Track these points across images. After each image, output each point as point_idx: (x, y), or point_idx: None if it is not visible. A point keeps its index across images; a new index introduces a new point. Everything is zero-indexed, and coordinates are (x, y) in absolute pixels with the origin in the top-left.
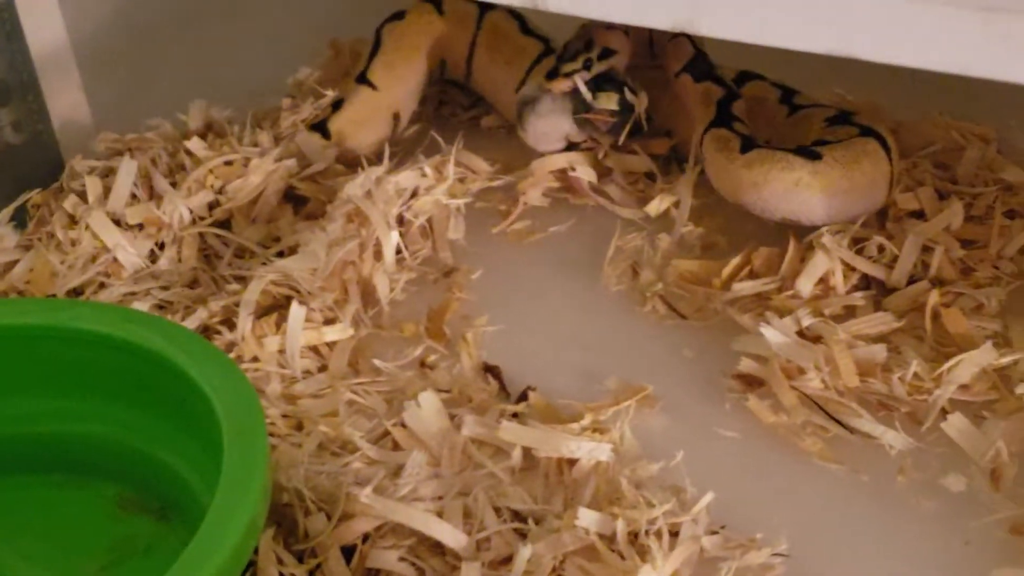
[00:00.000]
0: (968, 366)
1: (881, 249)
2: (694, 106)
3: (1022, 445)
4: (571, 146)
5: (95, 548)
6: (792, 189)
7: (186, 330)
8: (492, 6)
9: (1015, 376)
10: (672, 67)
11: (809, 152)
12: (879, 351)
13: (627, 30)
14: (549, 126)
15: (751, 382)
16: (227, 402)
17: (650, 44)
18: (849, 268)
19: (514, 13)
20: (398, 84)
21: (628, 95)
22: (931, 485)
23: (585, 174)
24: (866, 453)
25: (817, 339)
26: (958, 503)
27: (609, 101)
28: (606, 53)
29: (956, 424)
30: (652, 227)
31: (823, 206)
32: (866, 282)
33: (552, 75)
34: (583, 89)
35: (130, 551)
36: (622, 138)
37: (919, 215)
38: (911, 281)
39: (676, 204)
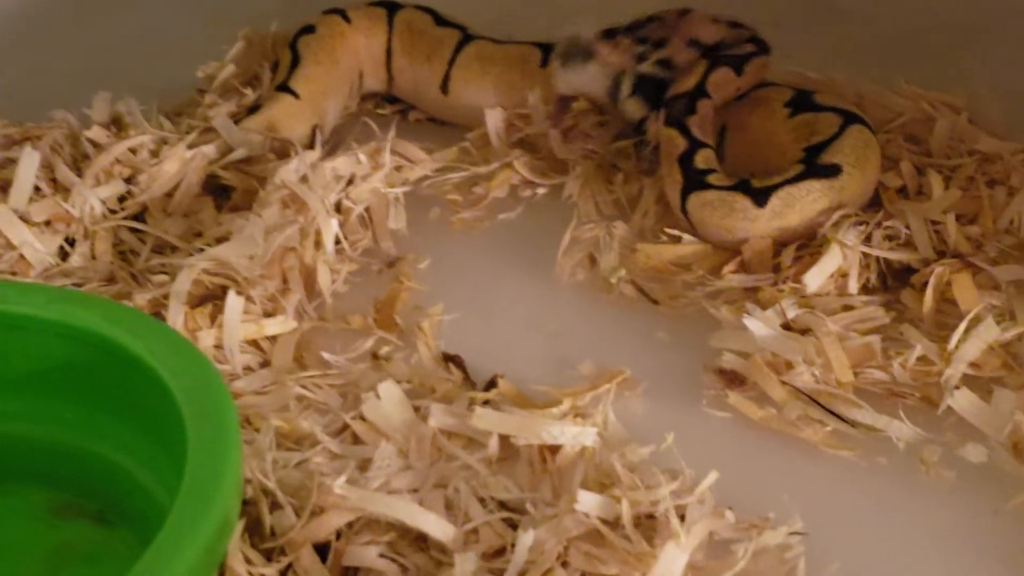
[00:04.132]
0: (976, 342)
1: (889, 236)
2: (662, 153)
3: None
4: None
5: (29, 559)
6: (824, 213)
7: (132, 310)
8: (399, 6)
9: (1022, 351)
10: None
11: (827, 170)
12: (875, 341)
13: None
14: (581, 84)
15: (732, 379)
16: (186, 385)
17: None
18: (864, 266)
19: (424, 8)
20: (321, 97)
21: (651, 121)
22: (949, 457)
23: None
24: (875, 443)
25: (805, 331)
26: (980, 474)
27: (635, 110)
28: (666, 64)
29: (964, 399)
30: (606, 218)
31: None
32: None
33: (611, 34)
34: (625, 87)
35: (69, 560)
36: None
37: (902, 192)
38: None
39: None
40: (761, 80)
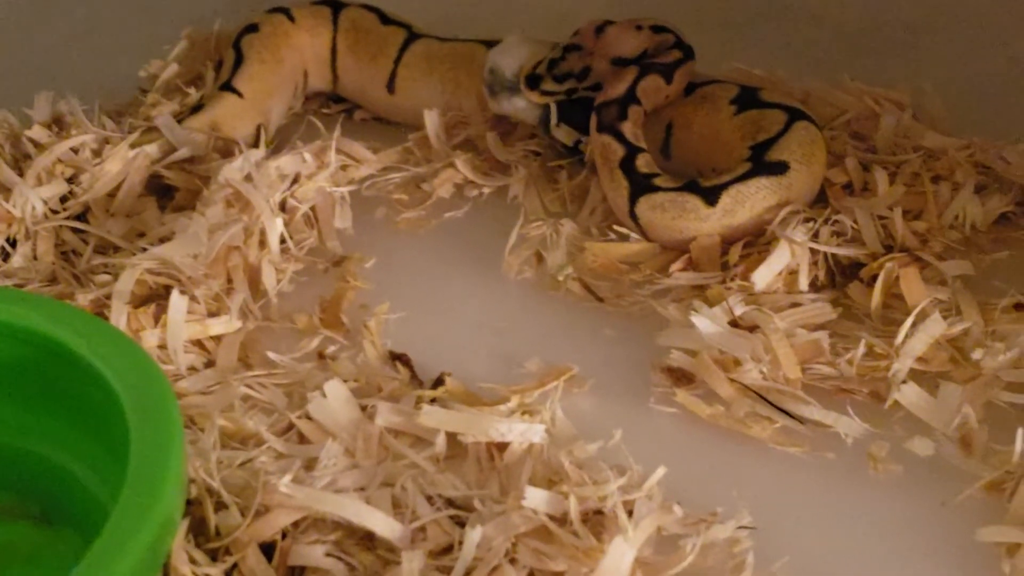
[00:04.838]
0: (923, 337)
1: (837, 233)
2: (597, 159)
3: (984, 411)
4: None
5: None
6: (772, 210)
7: (74, 309)
8: (344, 5)
9: (967, 345)
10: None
11: (774, 167)
12: (822, 337)
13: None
14: (513, 112)
15: (680, 377)
16: (129, 384)
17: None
18: (812, 263)
19: (369, 7)
20: (265, 97)
21: (586, 143)
22: (897, 451)
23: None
24: (824, 438)
25: (753, 329)
26: (928, 467)
27: (567, 137)
28: (596, 87)
29: (911, 394)
30: (552, 215)
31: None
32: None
33: (533, 83)
34: (552, 117)
35: (11, 561)
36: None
37: (848, 188)
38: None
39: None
40: (686, 84)
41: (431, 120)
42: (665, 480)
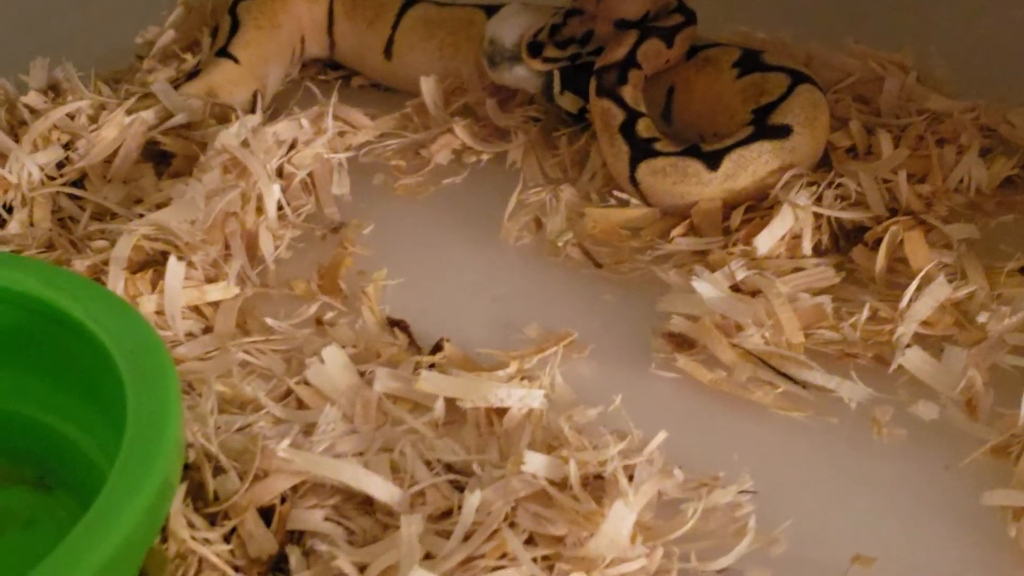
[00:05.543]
0: (928, 301)
1: (840, 197)
2: (596, 124)
3: (989, 374)
4: None
5: None
6: (775, 174)
7: (71, 274)
8: None
9: (972, 309)
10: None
11: (777, 131)
12: (825, 301)
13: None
14: (514, 82)
15: (680, 342)
16: (127, 349)
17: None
18: (816, 227)
19: None
20: (261, 63)
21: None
22: (901, 415)
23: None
24: (827, 403)
25: (755, 293)
26: (932, 431)
27: (571, 104)
28: (599, 51)
29: (915, 358)
30: (551, 181)
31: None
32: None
33: (536, 50)
34: (555, 85)
35: (8, 526)
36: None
37: (852, 152)
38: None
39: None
40: (688, 49)
41: (428, 87)
42: (666, 445)
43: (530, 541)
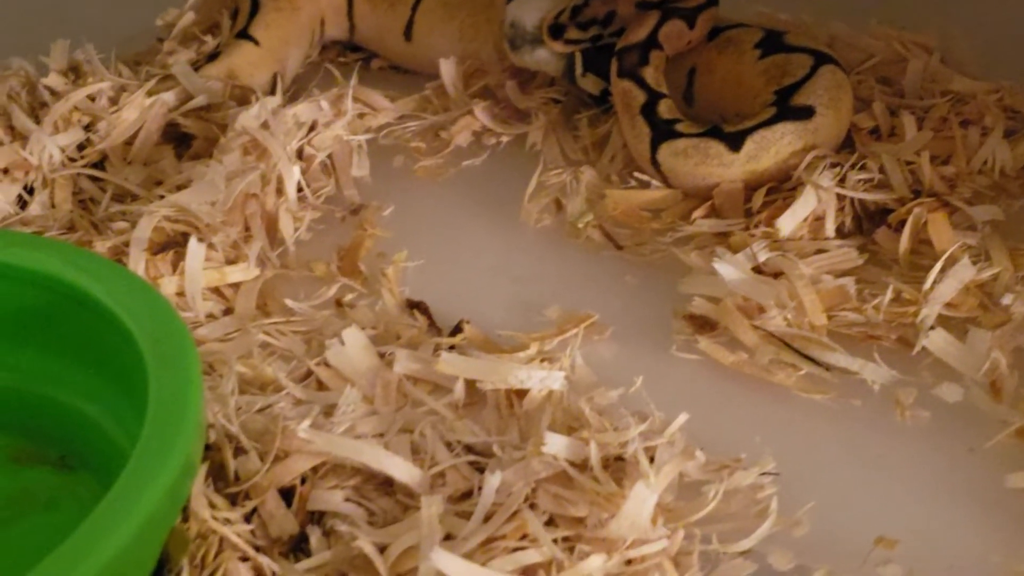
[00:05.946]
0: (952, 283)
1: (864, 178)
2: (617, 105)
3: (1013, 356)
4: None
5: None
6: (797, 156)
7: (93, 254)
8: None
9: (997, 291)
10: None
11: (800, 112)
12: (848, 283)
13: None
14: (535, 64)
15: (702, 324)
16: (148, 330)
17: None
18: (839, 208)
19: None
20: (281, 45)
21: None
22: (924, 397)
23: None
24: (850, 385)
25: (777, 275)
26: (956, 414)
27: (594, 86)
28: (620, 31)
29: (939, 339)
30: (572, 163)
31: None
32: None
33: (557, 32)
34: (577, 67)
35: (30, 506)
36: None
37: (875, 133)
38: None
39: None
40: (709, 30)
41: (447, 70)
42: (687, 427)
43: (550, 522)
